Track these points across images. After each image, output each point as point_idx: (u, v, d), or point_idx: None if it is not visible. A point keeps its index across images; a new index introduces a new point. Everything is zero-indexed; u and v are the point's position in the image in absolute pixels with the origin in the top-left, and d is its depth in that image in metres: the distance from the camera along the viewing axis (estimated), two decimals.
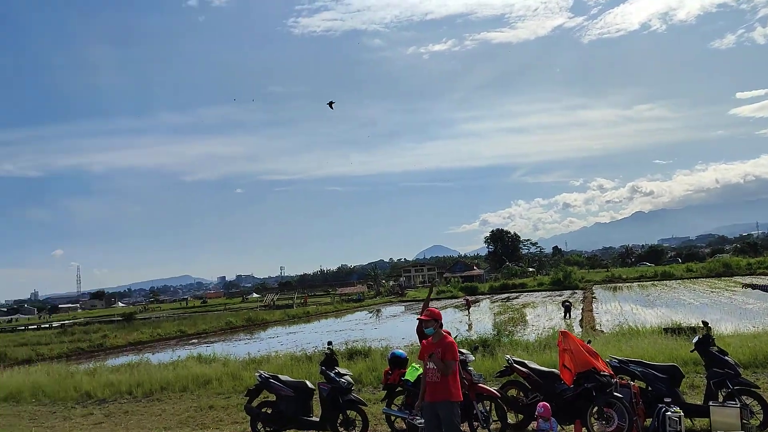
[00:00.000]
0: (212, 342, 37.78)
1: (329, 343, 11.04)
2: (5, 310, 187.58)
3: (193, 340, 40.94)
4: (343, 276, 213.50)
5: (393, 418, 9.70)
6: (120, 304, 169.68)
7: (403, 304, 68.14)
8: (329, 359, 10.00)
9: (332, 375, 9.65)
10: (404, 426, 9.34)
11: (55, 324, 74.88)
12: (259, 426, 10.07)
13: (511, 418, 9.32)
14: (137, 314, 79.10)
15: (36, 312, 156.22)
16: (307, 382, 10.12)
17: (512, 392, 9.79)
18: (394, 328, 36.90)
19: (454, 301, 62.08)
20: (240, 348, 29.97)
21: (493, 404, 9.13)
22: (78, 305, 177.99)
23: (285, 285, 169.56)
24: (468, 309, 44.96)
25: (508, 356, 10.19)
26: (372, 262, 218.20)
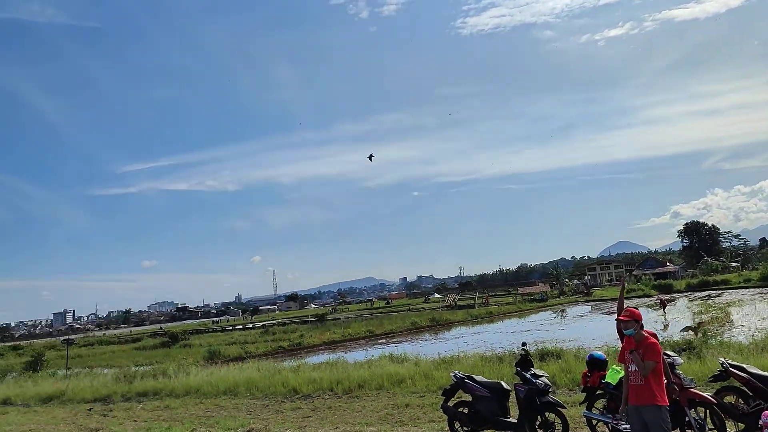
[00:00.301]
0: (399, 342, 39.00)
1: (523, 344, 10.90)
2: (215, 312, 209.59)
3: (381, 340, 42.53)
4: (523, 275, 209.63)
5: (594, 422, 9.37)
6: (312, 306, 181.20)
7: (589, 303, 65.27)
8: (524, 360, 9.90)
9: (528, 376, 9.53)
10: (607, 430, 8.98)
11: (257, 324, 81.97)
12: (457, 425, 10.23)
13: (729, 428, 8.58)
14: (328, 315, 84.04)
15: (240, 313, 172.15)
16: (503, 383, 10.09)
17: (729, 399, 9.00)
18: (582, 329, 35.51)
19: (646, 300, 58.16)
20: (427, 348, 30.61)
21: (707, 411, 8.47)
22: (276, 307, 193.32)
23: (465, 285, 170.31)
24: (663, 308, 41.90)
25: (723, 359, 9.35)
26: (553, 261, 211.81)
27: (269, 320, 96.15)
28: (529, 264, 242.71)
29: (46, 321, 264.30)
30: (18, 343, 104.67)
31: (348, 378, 16.86)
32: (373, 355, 22.31)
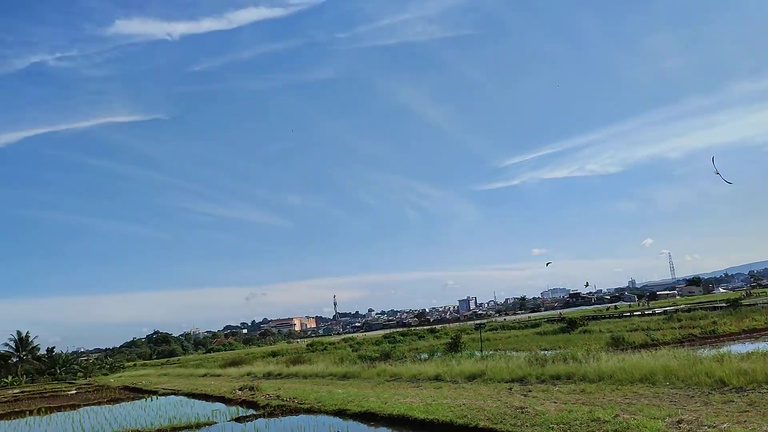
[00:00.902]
0: None
1: None
2: (608, 298, 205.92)
3: None
4: None
5: None
6: (719, 290, 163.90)
7: None
8: None
9: None
10: None
11: (657, 310, 77.55)
12: None
13: None
14: (742, 300, 74.82)
15: (636, 299, 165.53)
16: None
17: None
18: None
19: None
20: None
21: None
22: (675, 292, 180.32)
23: None
24: None
25: None
26: None
27: (670, 306, 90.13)
28: None
29: (453, 307, 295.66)
30: (433, 326, 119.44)
31: None
32: None
